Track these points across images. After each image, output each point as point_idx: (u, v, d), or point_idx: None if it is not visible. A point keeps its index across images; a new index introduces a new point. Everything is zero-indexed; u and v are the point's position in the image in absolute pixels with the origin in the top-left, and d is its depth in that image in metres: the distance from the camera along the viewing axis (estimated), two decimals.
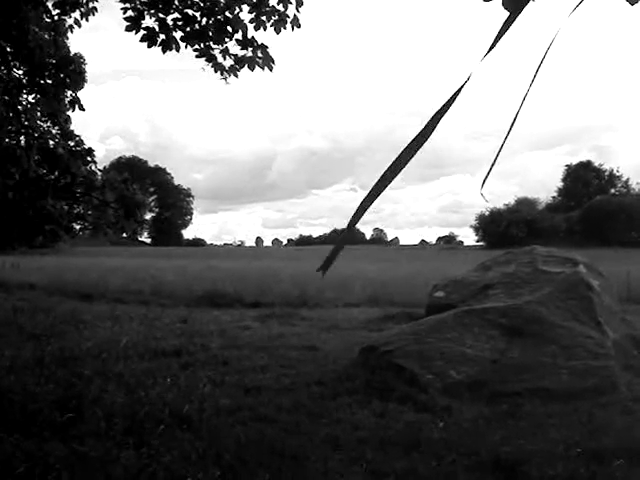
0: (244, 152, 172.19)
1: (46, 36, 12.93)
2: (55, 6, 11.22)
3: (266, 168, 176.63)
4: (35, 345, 8.66)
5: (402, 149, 1.54)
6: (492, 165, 1.64)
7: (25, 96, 13.88)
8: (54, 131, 15.23)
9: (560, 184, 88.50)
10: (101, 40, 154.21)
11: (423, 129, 1.54)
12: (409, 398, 6.51)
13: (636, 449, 4.95)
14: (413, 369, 7.19)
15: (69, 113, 14.38)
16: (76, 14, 11.19)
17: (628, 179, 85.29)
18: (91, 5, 11.07)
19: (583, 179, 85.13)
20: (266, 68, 8.74)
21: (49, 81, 13.54)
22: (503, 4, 2.56)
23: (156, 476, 4.26)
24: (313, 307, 15.32)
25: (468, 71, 1.57)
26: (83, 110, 14.38)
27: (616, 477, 4.51)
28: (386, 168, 1.55)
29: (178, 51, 8.65)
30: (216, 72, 8.92)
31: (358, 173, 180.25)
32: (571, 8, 1.66)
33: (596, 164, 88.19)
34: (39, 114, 14.43)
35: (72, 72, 13.57)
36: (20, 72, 13.28)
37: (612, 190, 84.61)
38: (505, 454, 4.87)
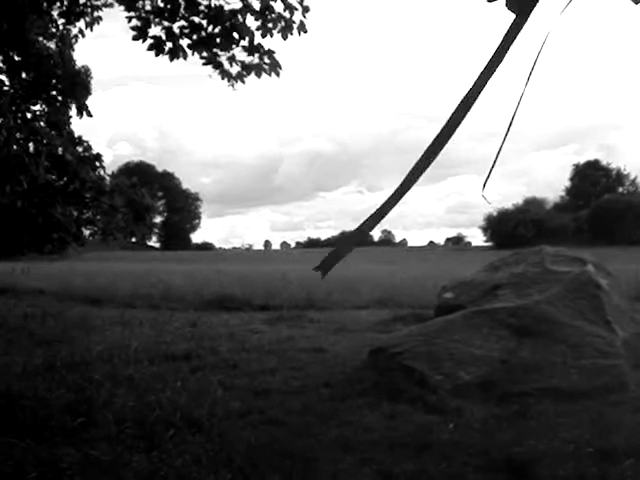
0: (251, 156, 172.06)
1: (51, 45, 13.02)
2: (60, 15, 11.31)
3: (273, 171, 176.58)
4: (46, 350, 8.72)
5: (420, 155, 1.55)
6: (492, 167, 1.66)
7: (31, 106, 13.98)
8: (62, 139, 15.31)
9: (568, 183, 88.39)
10: (107, 46, 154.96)
11: (440, 133, 1.56)
12: (419, 399, 6.50)
13: None
14: (423, 370, 7.18)
15: (76, 119, 14.47)
16: (81, 24, 11.30)
17: (636, 177, 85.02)
18: (95, 14, 11.17)
19: (591, 178, 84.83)
20: (273, 74, 8.74)
21: (54, 92, 13.62)
22: (507, 5, 2.58)
23: None
24: (321, 309, 15.32)
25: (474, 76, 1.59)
26: (90, 116, 14.47)
27: (627, 476, 4.48)
28: (404, 177, 1.56)
29: (185, 59, 8.68)
30: (223, 79, 8.93)
31: (364, 175, 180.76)
32: (569, 9, 1.68)
33: (603, 163, 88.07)
34: (44, 123, 14.53)
35: (77, 85, 13.63)
36: (27, 81, 13.36)
37: (620, 189, 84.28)
38: (516, 454, 4.86)
